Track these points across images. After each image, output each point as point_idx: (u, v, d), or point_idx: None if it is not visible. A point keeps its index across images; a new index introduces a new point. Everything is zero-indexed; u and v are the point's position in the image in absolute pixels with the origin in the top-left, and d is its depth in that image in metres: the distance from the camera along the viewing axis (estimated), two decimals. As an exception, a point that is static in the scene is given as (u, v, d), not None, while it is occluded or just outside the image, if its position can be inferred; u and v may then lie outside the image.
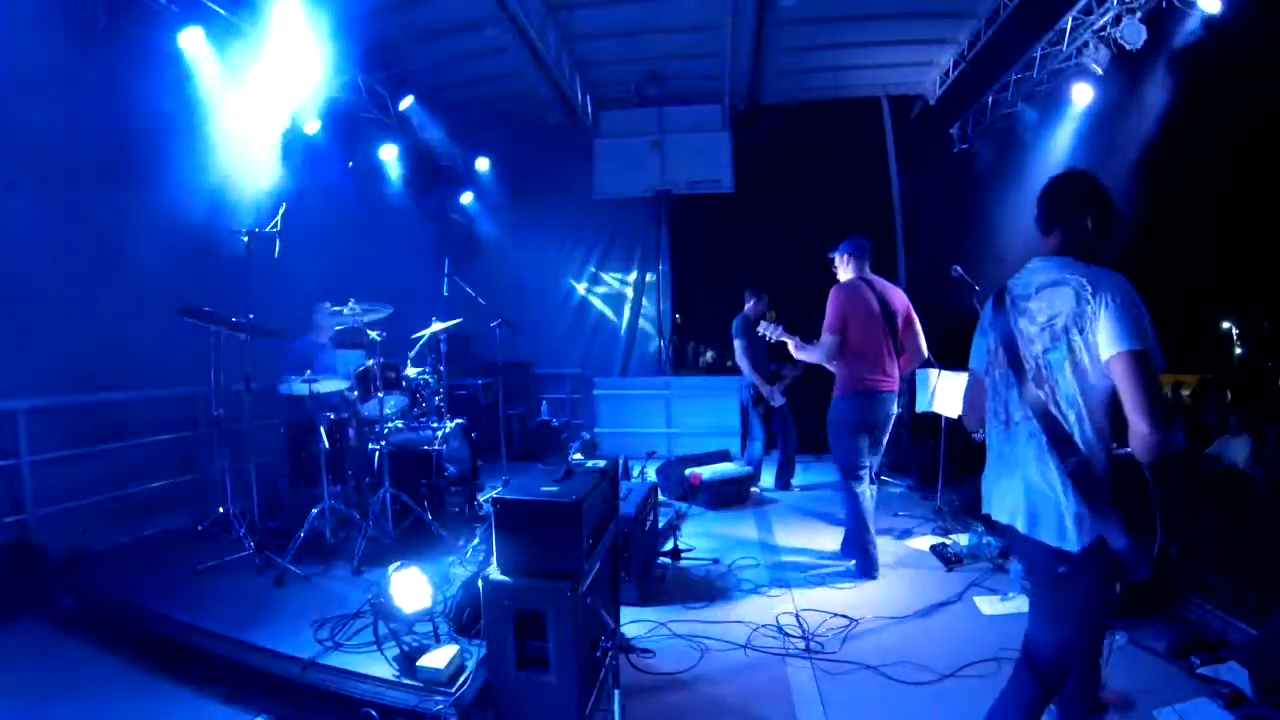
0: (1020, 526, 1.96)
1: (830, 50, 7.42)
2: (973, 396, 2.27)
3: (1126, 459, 1.80)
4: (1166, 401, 1.75)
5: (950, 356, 5.50)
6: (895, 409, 4.15)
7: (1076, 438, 1.84)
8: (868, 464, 4.13)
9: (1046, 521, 1.89)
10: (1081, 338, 1.82)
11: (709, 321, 9.65)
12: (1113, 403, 1.82)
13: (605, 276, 9.27)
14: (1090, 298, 1.81)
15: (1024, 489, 1.94)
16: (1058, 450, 1.85)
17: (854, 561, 4.22)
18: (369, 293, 4.68)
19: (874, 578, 4.11)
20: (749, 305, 6.31)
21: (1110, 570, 1.84)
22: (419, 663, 2.73)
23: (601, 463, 3.18)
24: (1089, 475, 1.81)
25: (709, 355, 10.17)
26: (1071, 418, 1.85)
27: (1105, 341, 1.77)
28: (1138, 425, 1.74)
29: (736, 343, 6.10)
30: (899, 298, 4.22)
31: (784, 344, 4.24)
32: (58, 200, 4.29)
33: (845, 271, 4.27)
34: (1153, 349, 1.75)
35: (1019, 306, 1.98)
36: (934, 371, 5.32)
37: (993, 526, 2.16)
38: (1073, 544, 1.83)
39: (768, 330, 4.28)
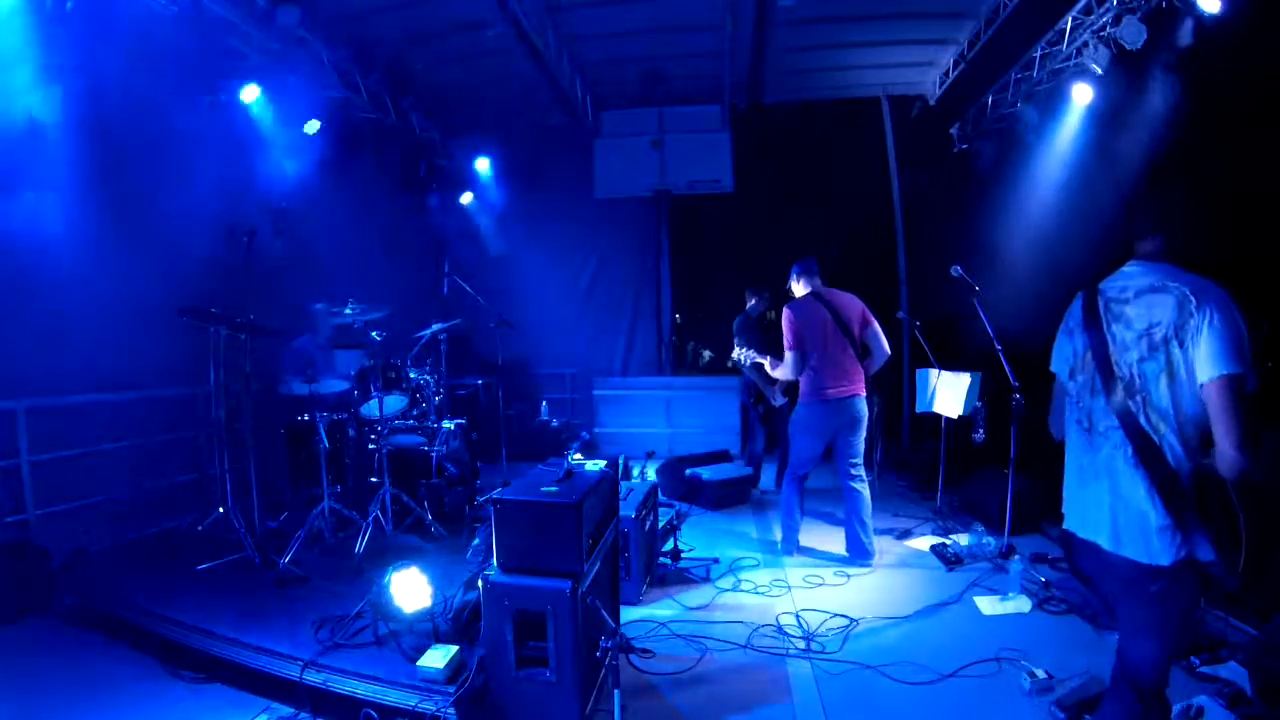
0: (1104, 543, 1.89)
1: (830, 50, 7.41)
2: (1058, 401, 2.18)
3: (1210, 471, 1.75)
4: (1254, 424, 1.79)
5: (950, 356, 5.50)
6: (863, 411, 4.33)
7: (1165, 451, 1.79)
8: (811, 468, 4.50)
9: (1131, 536, 1.83)
10: (1181, 351, 1.75)
11: (709, 321, 9.65)
12: (1205, 420, 1.77)
13: (605, 276, 9.27)
14: (1195, 310, 1.73)
15: (1109, 502, 1.88)
16: (1145, 463, 1.80)
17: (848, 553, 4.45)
18: (369, 293, 4.68)
19: (791, 555, 4.53)
20: (750, 304, 6.31)
21: (1198, 582, 1.82)
22: (419, 663, 2.73)
23: (601, 463, 3.19)
24: (1178, 488, 1.76)
25: (707, 355, 10.16)
26: (1163, 430, 1.79)
27: (1204, 361, 1.71)
28: (1225, 449, 1.70)
29: (736, 341, 6.10)
30: (853, 304, 4.39)
31: (779, 345, 4.46)
32: (56, 201, 4.29)
33: (799, 289, 4.49)
34: (1249, 369, 1.70)
35: (1113, 310, 1.90)
36: (934, 372, 5.32)
37: (1069, 547, 2.09)
38: (1163, 558, 1.78)
39: (743, 355, 4.72)
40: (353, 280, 5.07)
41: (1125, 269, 1.97)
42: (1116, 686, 2.00)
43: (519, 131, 8.67)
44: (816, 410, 4.30)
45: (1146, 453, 1.80)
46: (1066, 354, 2.07)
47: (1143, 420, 1.81)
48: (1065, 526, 2.06)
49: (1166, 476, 1.77)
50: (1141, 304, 1.85)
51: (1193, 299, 1.75)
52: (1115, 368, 1.86)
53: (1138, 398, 1.82)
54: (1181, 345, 1.75)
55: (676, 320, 9.43)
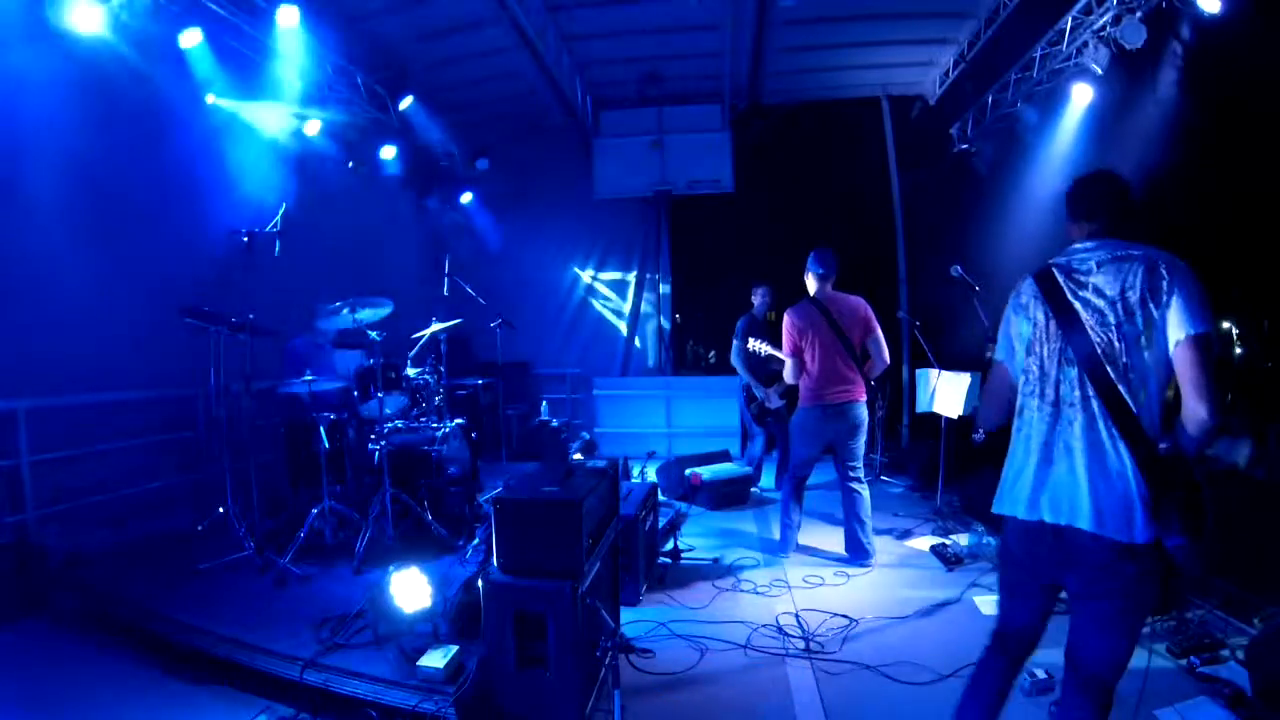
0: (1085, 524, 1.77)
1: (830, 50, 7.42)
2: (996, 389, 2.13)
3: (1174, 454, 1.72)
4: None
5: (950, 356, 5.50)
6: (862, 416, 4.32)
7: (1144, 420, 1.73)
8: (810, 470, 4.53)
9: (1114, 514, 1.73)
10: (1158, 312, 1.73)
11: (709, 321, 9.66)
12: (1173, 385, 1.75)
13: (605, 276, 9.27)
14: (1165, 273, 1.74)
15: (1088, 478, 1.78)
16: (1125, 434, 1.74)
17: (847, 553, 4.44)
18: (369, 293, 4.68)
19: (786, 554, 4.52)
20: (757, 302, 6.22)
21: (1164, 569, 1.76)
22: (419, 663, 2.73)
23: (601, 463, 3.18)
24: (1158, 460, 1.71)
25: (711, 356, 10.17)
26: (1141, 398, 1.75)
27: (1176, 323, 1.71)
28: (1197, 411, 1.68)
29: (735, 343, 6.06)
30: (855, 311, 4.36)
31: (780, 344, 4.49)
32: (54, 201, 4.29)
33: (810, 285, 4.47)
34: (1215, 331, 1.70)
35: (1077, 280, 1.87)
36: (934, 372, 5.32)
37: (1014, 527, 2.01)
38: (1143, 535, 1.70)
39: (759, 348, 4.69)
40: (353, 280, 5.07)
41: (1076, 246, 1.95)
42: (1072, 700, 1.92)
43: (519, 131, 8.68)
44: (815, 415, 4.32)
45: (1126, 422, 1.74)
46: (1021, 331, 2.00)
47: (1123, 387, 1.76)
48: (1021, 516, 1.92)
49: (1148, 447, 1.72)
50: (1109, 271, 1.83)
51: (1162, 263, 1.76)
52: (1091, 332, 1.81)
53: (1120, 363, 1.77)
54: (1158, 307, 1.74)
55: (676, 320, 9.43)
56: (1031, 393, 1.95)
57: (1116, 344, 1.78)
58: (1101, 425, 1.78)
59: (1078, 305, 1.84)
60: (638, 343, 9.20)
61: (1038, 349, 1.94)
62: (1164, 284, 1.74)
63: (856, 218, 8.03)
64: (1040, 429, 1.91)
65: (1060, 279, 1.90)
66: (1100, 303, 1.82)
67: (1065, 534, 1.83)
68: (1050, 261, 1.97)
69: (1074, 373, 1.84)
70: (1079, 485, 1.80)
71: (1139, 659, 2.99)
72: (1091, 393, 1.80)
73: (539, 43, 6.57)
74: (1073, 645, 1.93)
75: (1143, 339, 1.75)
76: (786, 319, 4.38)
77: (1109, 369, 1.77)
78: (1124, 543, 1.73)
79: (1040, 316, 1.94)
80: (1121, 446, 1.75)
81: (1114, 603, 1.80)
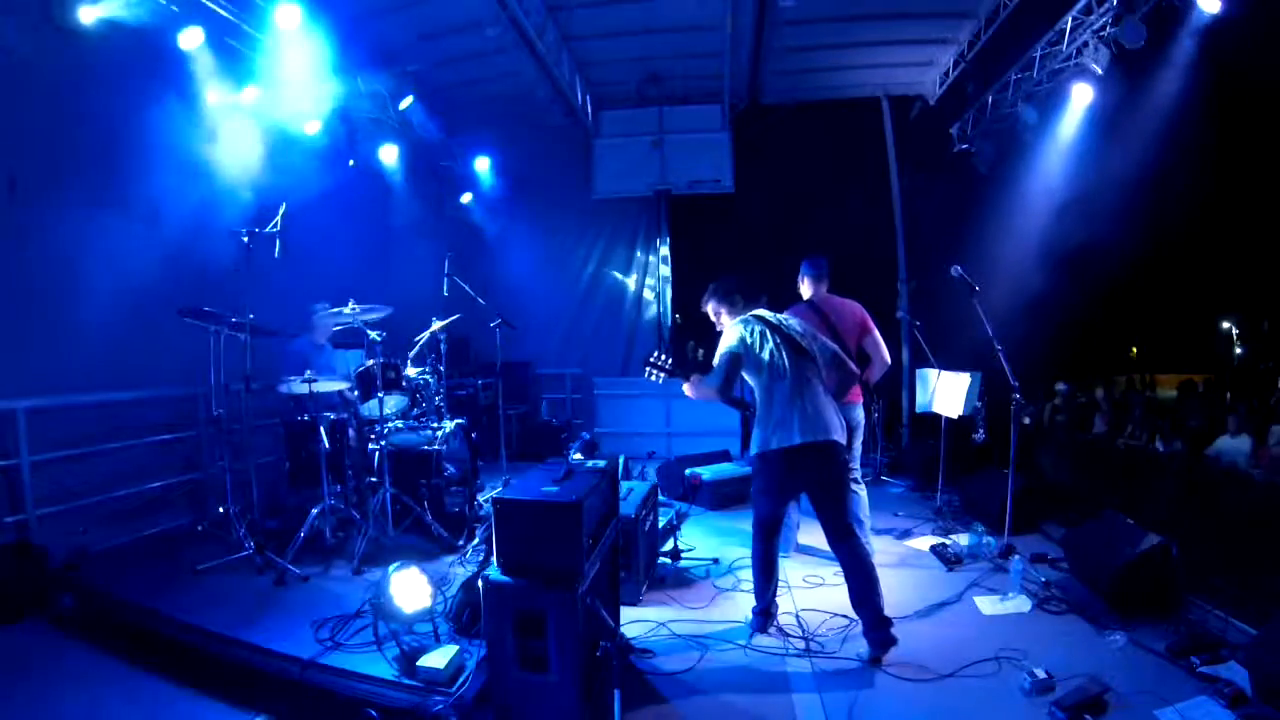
0: (835, 436, 3.22)
1: (830, 50, 7.42)
2: (734, 374, 3.34)
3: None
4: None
5: (948, 357, 5.51)
6: (858, 418, 4.31)
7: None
8: None
9: (837, 429, 3.26)
10: (821, 341, 3.49)
11: (709, 321, 9.66)
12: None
13: (605, 276, 9.27)
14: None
15: (828, 414, 3.25)
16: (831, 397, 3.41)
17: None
18: (368, 292, 4.68)
19: (786, 554, 4.48)
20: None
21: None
22: (419, 663, 2.73)
23: (601, 463, 3.19)
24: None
25: (702, 354, 10.16)
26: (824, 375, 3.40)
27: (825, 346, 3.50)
28: (833, 381, 3.47)
29: None
30: (851, 314, 4.35)
31: None
32: (57, 199, 4.29)
33: (805, 290, 4.47)
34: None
35: (785, 327, 3.40)
36: (934, 372, 5.32)
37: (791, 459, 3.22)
38: (841, 435, 3.29)
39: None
40: (353, 280, 5.07)
41: (761, 311, 3.48)
42: (838, 545, 3.27)
43: (519, 131, 8.67)
44: None
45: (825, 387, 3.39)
46: (768, 349, 3.30)
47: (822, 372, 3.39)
48: (801, 441, 3.15)
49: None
50: (793, 324, 3.44)
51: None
52: (810, 352, 3.35)
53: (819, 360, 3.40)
54: (816, 339, 3.47)
55: (677, 320, 9.43)
56: (781, 380, 3.25)
57: (818, 357, 3.40)
58: (823, 390, 3.33)
59: (797, 337, 3.36)
60: (638, 343, 9.19)
61: (784, 356, 3.29)
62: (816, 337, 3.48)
63: (856, 218, 8.03)
64: (793, 396, 3.22)
65: (776, 323, 3.40)
66: (802, 332, 3.44)
67: (821, 445, 3.18)
68: (766, 317, 3.41)
69: (814, 371, 3.34)
70: (824, 419, 3.23)
71: (1139, 658, 3.03)
72: (811, 374, 3.30)
73: (539, 43, 6.57)
74: (824, 515, 3.29)
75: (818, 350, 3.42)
76: None
77: (821, 368, 3.38)
78: (840, 440, 3.25)
79: (775, 342, 3.32)
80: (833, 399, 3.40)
81: (842, 475, 3.34)
